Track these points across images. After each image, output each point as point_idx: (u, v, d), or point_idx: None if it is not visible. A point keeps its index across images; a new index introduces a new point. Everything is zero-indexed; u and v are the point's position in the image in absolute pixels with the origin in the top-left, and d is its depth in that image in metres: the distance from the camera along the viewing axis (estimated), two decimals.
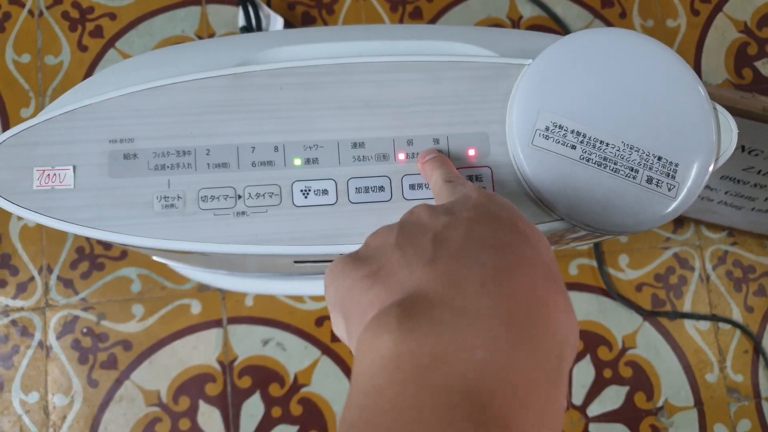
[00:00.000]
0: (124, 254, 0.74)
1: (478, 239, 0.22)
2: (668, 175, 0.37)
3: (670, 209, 0.37)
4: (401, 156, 0.37)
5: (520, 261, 0.22)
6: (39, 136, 0.36)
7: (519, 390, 0.18)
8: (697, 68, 0.83)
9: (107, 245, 0.74)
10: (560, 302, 0.22)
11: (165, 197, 0.36)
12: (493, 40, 0.41)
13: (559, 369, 0.20)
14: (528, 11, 0.82)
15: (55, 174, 0.36)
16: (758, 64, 0.84)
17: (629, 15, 0.83)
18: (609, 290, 0.77)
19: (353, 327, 0.23)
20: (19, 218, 0.74)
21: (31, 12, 0.78)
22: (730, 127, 0.39)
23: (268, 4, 0.75)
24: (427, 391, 0.18)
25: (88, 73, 0.77)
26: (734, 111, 0.61)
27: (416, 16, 0.81)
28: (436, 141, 0.37)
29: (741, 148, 0.64)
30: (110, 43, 0.78)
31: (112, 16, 0.78)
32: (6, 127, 0.75)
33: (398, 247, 0.24)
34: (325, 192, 0.37)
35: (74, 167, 0.36)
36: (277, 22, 0.73)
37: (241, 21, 0.72)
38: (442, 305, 0.20)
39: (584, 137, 0.37)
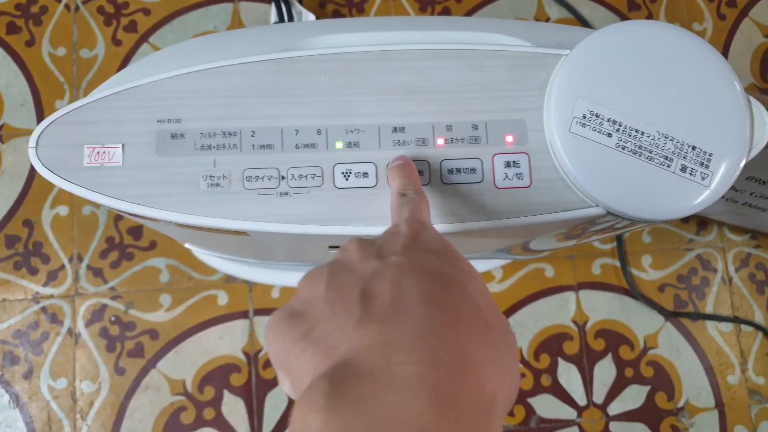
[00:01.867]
0: (153, 244, 0.75)
1: (406, 294, 0.23)
2: (702, 164, 0.37)
3: (702, 197, 0.38)
4: (440, 141, 0.38)
5: (448, 317, 0.22)
6: (90, 114, 0.37)
7: None
8: None
9: (137, 235, 0.75)
10: (489, 357, 0.22)
11: (211, 176, 0.37)
12: (528, 32, 0.42)
13: (487, 430, 0.21)
14: (555, 13, 0.83)
15: (104, 152, 0.37)
16: None
17: (655, 18, 0.84)
18: (632, 290, 0.78)
19: (296, 390, 0.24)
20: (51, 207, 0.75)
21: (67, 6, 0.80)
22: (763, 119, 0.39)
23: (300, 1, 0.76)
24: None
25: (122, 66, 0.78)
26: None
27: (445, 15, 0.82)
28: (475, 127, 0.38)
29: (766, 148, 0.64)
30: (144, 38, 0.79)
31: (146, 12, 0.80)
32: (41, 118, 0.76)
33: (328, 301, 0.24)
34: (365, 174, 0.38)
35: (123, 145, 0.37)
36: (308, 19, 0.74)
37: (274, 17, 0.73)
38: (370, 378, 0.20)
39: (620, 126, 0.37)
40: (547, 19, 0.82)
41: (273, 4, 0.72)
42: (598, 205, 0.38)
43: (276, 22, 0.73)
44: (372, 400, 0.19)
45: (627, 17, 0.83)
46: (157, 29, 0.80)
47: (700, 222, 0.80)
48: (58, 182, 0.37)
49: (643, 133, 0.37)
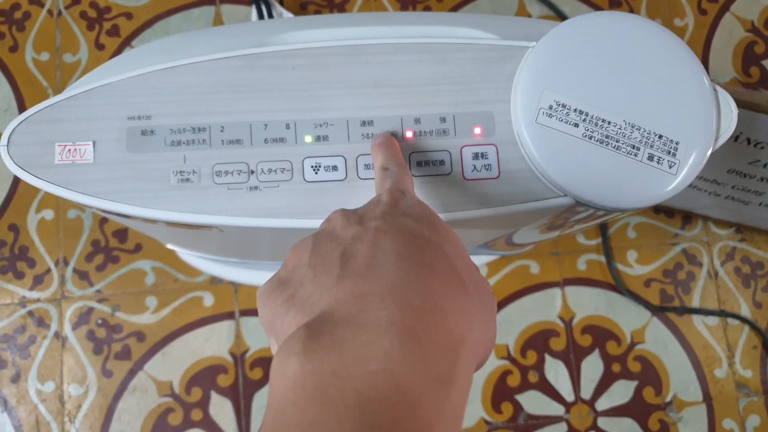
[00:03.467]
0: (138, 247, 0.75)
1: (382, 252, 0.25)
2: (669, 153, 0.38)
3: (671, 186, 0.38)
4: (408, 134, 0.38)
5: (419, 269, 0.24)
6: (61, 113, 0.38)
7: (408, 393, 0.20)
8: (705, 67, 0.84)
9: (122, 238, 0.75)
10: (458, 303, 0.24)
11: (181, 172, 0.37)
12: (497, 26, 0.42)
13: (453, 368, 0.22)
14: (536, 11, 0.83)
15: (75, 149, 0.37)
16: (766, 62, 0.85)
17: (637, 14, 0.84)
18: (617, 285, 0.78)
19: None
20: (37, 211, 0.76)
21: (50, 12, 0.80)
22: (730, 108, 0.39)
23: (281, 3, 0.77)
24: (325, 408, 0.20)
25: None
26: (739, 103, 0.61)
27: None
28: (443, 119, 0.38)
29: (746, 140, 0.65)
30: (126, 42, 0.80)
31: (129, 16, 0.81)
32: None
33: (311, 266, 0.26)
34: (334, 168, 0.38)
35: (94, 143, 0.37)
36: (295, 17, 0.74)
37: (255, 19, 0.74)
38: (345, 323, 0.22)
39: (587, 115, 0.38)
40: (528, 17, 0.83)
41: (254, 6, 0.73)
42: (566, 195, 0.38)
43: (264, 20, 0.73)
44: (345, 342, 0.21)
45: None
46: (140, 33, 0.80)
47: (684, 216, 0.81)
48: (30, 180, 0.37)
49: (609, 123, 0.38)
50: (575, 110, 0.38)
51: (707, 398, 0.76)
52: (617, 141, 0.38)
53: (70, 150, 0.37)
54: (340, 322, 0.22)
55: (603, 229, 0.79)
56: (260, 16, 0.73)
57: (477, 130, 0.39)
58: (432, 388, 0.21)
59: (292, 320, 0.24)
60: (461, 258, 0.27)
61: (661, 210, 0.81)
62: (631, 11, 0.84)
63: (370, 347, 0.21)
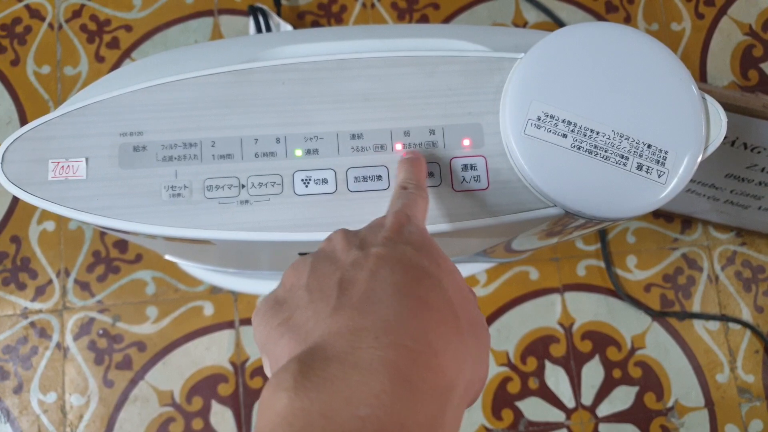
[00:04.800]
0: (139, 257, 0.76)
1: (380, 284, 0.24)
2: (658, 162, 0.38)
3: (661, 196, 0.38)
4: (398, 146, 0.39)
5: (416, 307, 0.24)
6: (54, 130, 0.38)
7: None
8: (703, 71, 0.84)
9: (123, 249, 0.76)
10: (452, 345, 0.24)
11: (172, 187, 0.38)
12: (486, 37, 0.43)
13: (442, 413, 0.22)
14: (533, 17, 0.83)
15: (68, 165, 0.38)
16: (764, 65, 0.84)
17: (634, 19, 0.84)
18: (617, 291, 0.78)
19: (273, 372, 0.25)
20: (38, 222, 0.76)
21: (50, 25, 0.81)
22: (719, 116, 0.39)
23: (278, 14, 0.77)
24: None
25: None
26: (735, 108, 0.61)
27: (423, 22, 0.82)
28: (432, 132, 0.39)
29: (743, 145, 0.64)
30: (126, 54, 0.81)
31: (128, 28, 0.81)
32: None
33: (308, 289, 0.26)
34: (324, 181, 0.38)
35: (87, 159, 0.38)
36: (286, 30, 0.75)
37: (252, 30, 0.74)
38: (337, 361, 0.21)
39: (575, 126, 0.38)
40: (525, 24, 0.83)
41: (251, 17, 0.73)
42: (555, 206, 0.38)
43: (255, 34, 0.74)
44: (336, 380, 0.21)
45: (605, 19, 0.84)
46: (139, 45, 0.81)
47: (684, 221, 0.81)
48: (24, 196, 0.38)
49: (598, 133, 0.38)
50: (563, 121, 0.38)
51: (709, 403, 0.76)
52: (606, 151, 0.38)
53: (63, 167, 0.38)
54: (332, 358, 0.21)
55: (602, 234, 0.79)
56: (257, 26, 0.74)
57: (466, 142, 0.39)
58: None
59: (286, 346, 0.24)
60: (459, 292, 0.26)
61: (661, 215, 0.81)
62: (628, 16, 0.85)
63: (361, 389, 0.20)
